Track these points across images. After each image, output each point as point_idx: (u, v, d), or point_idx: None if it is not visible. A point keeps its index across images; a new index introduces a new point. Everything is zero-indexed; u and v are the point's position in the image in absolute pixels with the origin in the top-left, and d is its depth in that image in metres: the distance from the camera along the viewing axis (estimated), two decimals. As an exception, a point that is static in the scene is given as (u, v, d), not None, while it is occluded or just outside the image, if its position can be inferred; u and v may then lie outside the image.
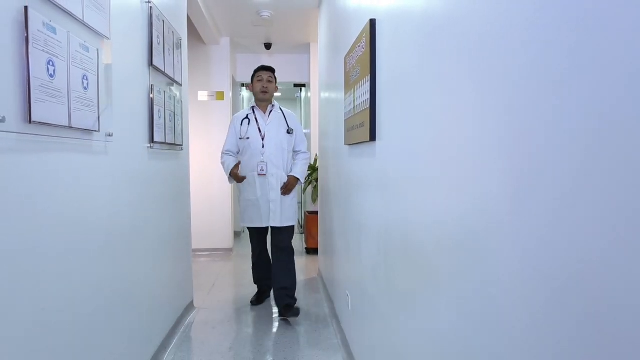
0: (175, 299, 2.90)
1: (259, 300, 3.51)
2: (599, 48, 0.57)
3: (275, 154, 3.19)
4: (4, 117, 1.05)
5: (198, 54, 5.19)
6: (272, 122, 3.24)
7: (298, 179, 3.26)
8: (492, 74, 0.84)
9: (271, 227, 3.24)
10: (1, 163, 1.09)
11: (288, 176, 3.23)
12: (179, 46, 2.96)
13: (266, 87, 3.24)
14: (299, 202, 5.69)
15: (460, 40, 0.98)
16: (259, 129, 3.22)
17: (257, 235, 3.37)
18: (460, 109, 0.98)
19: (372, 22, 1.73)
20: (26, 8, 1.14)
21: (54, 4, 1.30)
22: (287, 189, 3.20)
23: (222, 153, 3.34)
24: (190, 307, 3.28)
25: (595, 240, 0.58)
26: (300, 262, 4.88)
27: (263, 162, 3.17)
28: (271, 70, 3.33)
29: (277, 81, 3.43)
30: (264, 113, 3.27)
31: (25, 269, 1.19)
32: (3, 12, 1.08)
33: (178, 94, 2.95)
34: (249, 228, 3.36)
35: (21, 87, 1.15)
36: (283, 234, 3.22)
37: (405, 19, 1.37)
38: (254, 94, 3.31)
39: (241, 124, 3.26)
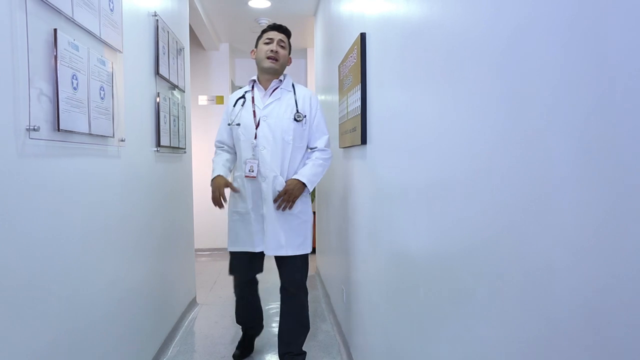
0: (180, 295, 3.05)
1: (244, 351, 2.55)
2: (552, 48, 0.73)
3: (273, 150, 2.20)
4: (38, 127, 1.21)
5: (198, 60, 5.35)
6: (273, 104, 2.25)
7: (304, 185, 2.20)
8: (454, 79, 1.00)
9: (275, 257, 2.30)
10: (35, 166, 1.25)
11: (287, 180, 2.21)
12: (182, 54, 3.12)
13: (275, 52, 2.25)
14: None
15: (430, 52, 1.14)
16: (254, 112, 2.26)
17: (244, 264, 2.31)
18: (428, 112, 1.14)
19: (363, 36, 1.89)
20: (55, 30, 1.30)
21: (76, 25, 1.45)
22: (285, 199, 2.18)
23: (215, 146, 2.51)
24: (193, 303, 3.44)
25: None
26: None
27: (254, 159, 2.22)
28: (286, 32, 2.34)
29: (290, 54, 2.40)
30: (266, 90, 2.30)
31: (55, 254, 1.35)
32: (37, 35, 1.24)
33: (181, 99, 3.11)
34: (232, 254, 2.34)
35: (51, 100, 1.30)
36: (291, 267, 2.26)
37: (390, 33, 1.54)
38: (257, 62, 2.32)
39: (234, 105, 2.35)
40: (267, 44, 2.28)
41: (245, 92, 2.35)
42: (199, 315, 3.32)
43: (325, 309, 3.40)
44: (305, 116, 2.26)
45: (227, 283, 4.21)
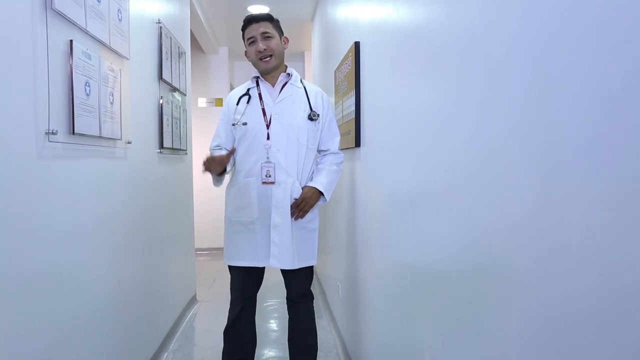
0: (181, 293, 3.16)
1: None
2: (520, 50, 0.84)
3: (287, 152, 1.98)
4: (56, 130, 1.32)
5: (198, 63, 5.46)
6: (285, 101, 2.03)
7: (321, 193, 2.01)
8: (440, 83, 1.11)
9: (281, 270, 2.05)
10: (52, 167, 1.35)
11: (304, 187, 2.01)
12: (183, 58, 3.22)
13: (265, 49, 2.00)
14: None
15: (418, 58, 1.25)
16: (263, 109, 2.02)
17: (246, 280, 2.08)
18: (419, 116, 1.25)
19: (357, 45, 2.00)
20: (71, 41, 1.40)
21: (89, 35, 1.56)
22: (300, 207, 1.98)
23: (210, 150, 2.20)
24: (193, 300, 3.54)
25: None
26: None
27: (269, 162, 1.98)
28: (267, 19, 2.05)
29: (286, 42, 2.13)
30: (273, 87, 2.07)
31: (66, 250, 1.45)
32: (55, 46, 1.34)
33: (182, 101, 3.22)
34: (233, 269, 2.09)
35: (67, 105, 1.41)
36: (298, 279, 2.08)
37: (382, 41, 1.64)
38: (253, 65, 2.09)
39: (237, 103, 2.07)
40: (251, 44, 2.03)
41: (249, 88, 2.08)
42: (199, 312, 3.42)
43: (322, 305, 3.51)
44: (318, 115, 2.04)
45: (226, 281, 4.27)
